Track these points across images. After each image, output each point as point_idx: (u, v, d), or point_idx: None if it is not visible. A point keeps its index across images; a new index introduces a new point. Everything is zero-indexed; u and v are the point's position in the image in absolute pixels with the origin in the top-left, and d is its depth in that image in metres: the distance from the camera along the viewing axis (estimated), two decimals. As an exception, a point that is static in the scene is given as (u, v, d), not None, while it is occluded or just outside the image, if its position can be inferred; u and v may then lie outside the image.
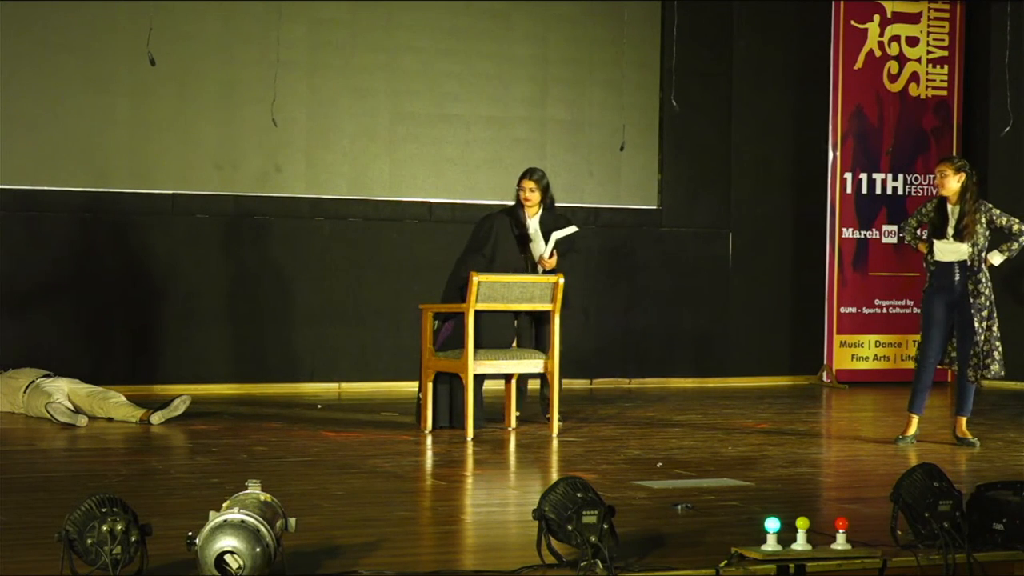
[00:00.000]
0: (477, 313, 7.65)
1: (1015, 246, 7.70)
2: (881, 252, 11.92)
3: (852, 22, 11.87)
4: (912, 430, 7.79)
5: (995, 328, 7.65)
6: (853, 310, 11.87)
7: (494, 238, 8.14)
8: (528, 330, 8.42)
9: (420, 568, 4.27)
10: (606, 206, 11.53)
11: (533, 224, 8.50)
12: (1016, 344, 9.97)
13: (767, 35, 12.05)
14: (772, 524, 4.36)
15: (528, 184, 8.52)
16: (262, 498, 4.13)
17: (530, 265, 8.48)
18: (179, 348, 10.32)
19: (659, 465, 6.72)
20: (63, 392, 8.39)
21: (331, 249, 10.76)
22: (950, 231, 7.66)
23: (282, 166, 10.61)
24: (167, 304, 10.31)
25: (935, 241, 7.72)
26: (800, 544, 4.39)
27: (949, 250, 7.68)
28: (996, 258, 7.71)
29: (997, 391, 9.40)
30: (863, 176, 11.89)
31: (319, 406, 9.39)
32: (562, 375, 8.01)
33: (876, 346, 11.93)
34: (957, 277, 7.66)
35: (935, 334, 7.73)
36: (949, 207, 7.71)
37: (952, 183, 7.66)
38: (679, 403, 9.94)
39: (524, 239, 8.50)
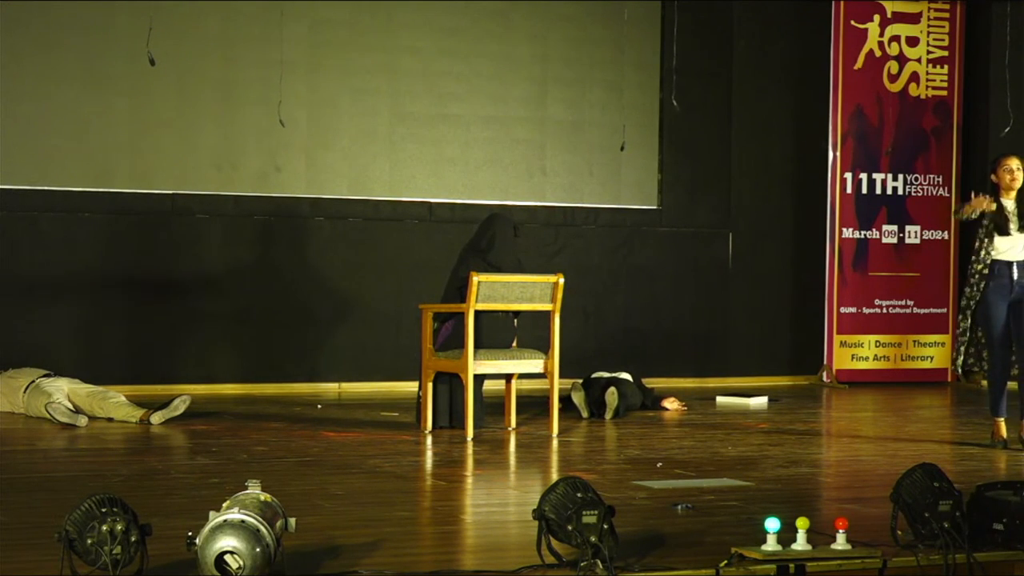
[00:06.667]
0: (477, 313, 7.65)
1: None
2: (881, 252, 11.92)
3: (852, 22, 11.87)
4: (1003, 433, 7.63)
5: None
6: (853, 310, 11.87)
7: (497, 242, 8.15)
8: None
9: (420, 568, 4.27)
10: (606, 206, 11.53)
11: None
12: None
13: (767, 35, 12.05)
14: (772, 524, 4.36)
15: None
16: (262, 498, 4.13)
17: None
18: (179, 348, 10.33)
19: (659, 465, 6.72)
20: (63, 392, 8.39)
21: (331, 249, 10.76)
22: (1013, 227, 7.51)
23: (282, 166, 10.61)
24: (167, 304, 10.31)
25: (996, 238, 7.54)
26: (800, 544, 4.39)
27: (1009, 246, 7.53)
28: None
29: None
30: (863, 176, 11.89)
31: (319, 406, 9.39)
32: (561, 375, 7.98)
33: (876, 346, 11.92)
34: (1016, 276, 7.53)
35: (1001, 334, 7.53)
36: (1006, 203, 7.57)
37: (1021, 178, 7.59)
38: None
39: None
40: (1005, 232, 7.55)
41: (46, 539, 4.22)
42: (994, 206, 7.56)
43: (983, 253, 7.59)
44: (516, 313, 8.07)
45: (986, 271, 7.58)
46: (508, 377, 7.95)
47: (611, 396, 8.88)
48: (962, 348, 7.72)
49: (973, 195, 7.61)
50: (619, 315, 11.59)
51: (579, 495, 4.28)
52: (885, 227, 11.92)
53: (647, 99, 11.63)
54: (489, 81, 11.17)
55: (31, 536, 4.68)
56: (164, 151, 10.31)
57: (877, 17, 11.90)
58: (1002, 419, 7.65)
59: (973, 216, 7.57)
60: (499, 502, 5.92)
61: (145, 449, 7.29)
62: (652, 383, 9.88)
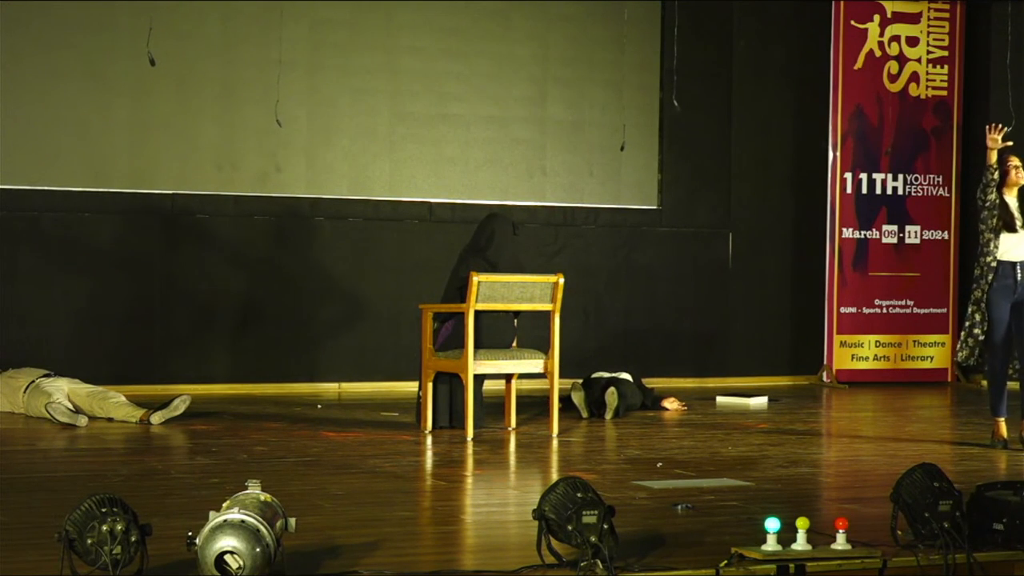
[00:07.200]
0: (477, 313, 7.65)
1: None
2: (881, 252, 11.92)
3: (852, 22, 11.87)
4: (1003, 433, 7.63)
5: None
6: (853, 310, 11.86)
7: (496, 240, 8.15)
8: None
9: (420, 568, 4.27)
10: (606, 206, 11.53)
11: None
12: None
13: (767, 35, 12.05)
14: (772, 524, 4.36)
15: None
16: (262, 498, 4.13)
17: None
18: (179, 348, 10.33)
19: (659, 465, 6.72)
20: (63, 392, 8.39)
21: (331, 249, 10.76)
22: (1018, 223, 7.52)
23: (282, 166, 10.61)
24: (167, 304, 10.31)
25: (1003, 235, 7.55)
26: (800, 544, 4.39)
27: (1013, 244, 7.53)
28: None
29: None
30: (863, 176, 11.89)
31: (319, 406, 9.39)
32: (561, 375, 7.97)
33: (876, 346, 11.92)
34: (1019, 277, 7.53)
35: (1003, 335, 7.54)
36: (1009, 200, 7.59)
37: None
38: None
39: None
40: (1012, 229, 7.56)
41: (46, 539, 4.22)
42: (1003, 142, 7.61)
43: (991, 246, 7.60)
44: (516, 313, 8.07)
45: (994, 263, 7.58)
46: (508, 377, 7.95)
47: (611, 396, 8.88)
48: (970, 341, 7.69)
49: (987, 130, 7.65)
50: (619, 315, 11.59)
51: (579, 495, 4.28)
52: (885, 227, 11.92)
53: (647, 99, 11.63)
54: (489, 81, 11.17)
55: (31, 536, 4.68)
56: (164, 151, 10.31)
57: (877, 17, 11.90)
58: (1002, 419, 7.65)
59: (993, 177, 7.57)
60: (499, 502, 5.92)
61: (145, 449, 7.29)
62: (652, 383, 9.88)
